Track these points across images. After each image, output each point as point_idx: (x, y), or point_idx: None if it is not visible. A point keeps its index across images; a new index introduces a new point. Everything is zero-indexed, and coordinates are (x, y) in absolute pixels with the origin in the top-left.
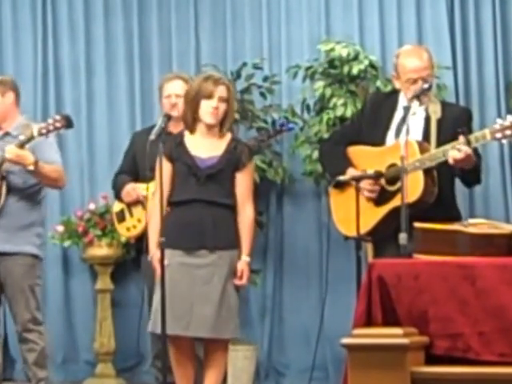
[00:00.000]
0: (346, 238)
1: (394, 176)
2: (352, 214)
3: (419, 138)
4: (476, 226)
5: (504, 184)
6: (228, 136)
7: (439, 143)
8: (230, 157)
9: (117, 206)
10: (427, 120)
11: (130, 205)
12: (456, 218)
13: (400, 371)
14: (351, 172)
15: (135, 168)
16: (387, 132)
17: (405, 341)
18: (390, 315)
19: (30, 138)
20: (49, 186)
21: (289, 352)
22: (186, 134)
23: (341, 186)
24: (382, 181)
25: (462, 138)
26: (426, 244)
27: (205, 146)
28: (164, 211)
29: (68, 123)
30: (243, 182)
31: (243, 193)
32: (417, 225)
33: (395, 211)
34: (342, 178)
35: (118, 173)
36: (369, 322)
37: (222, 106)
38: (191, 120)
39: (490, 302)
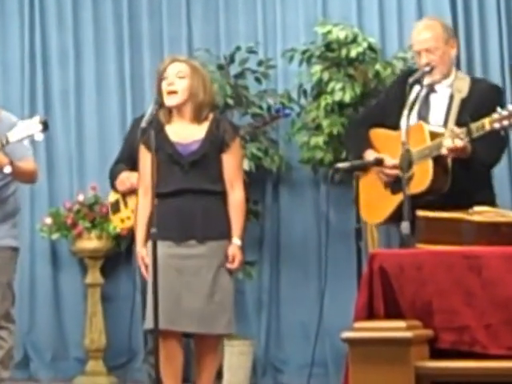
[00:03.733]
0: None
1: (408, 163)
2: (372, 200)
3: (441, 118)
4: (481, 213)
5: (510, 170)
6: (210, 117)
7: (459, 125)
8: (212, 139)
9: (112, 197)
10: (451, 98)
11: (125, 195)
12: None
13: (403, 366)
14: (369, 155)
15: (133, 156)
16: (411, 114)
17: (408, 334)
18: (393, 307)
19: (5, 143)
20: (22, 182)
21: (287, 347)
22: None
23: (364, 170)
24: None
25: (458, 129)
26: (429, 233)
27: (186, 131)
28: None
29: (45, 127)
30: (230, 164)
31: (231, 174)
32: (419, 213)
33: (410, 199)
34: (340, 165)
35: (115, 162)
36: (370, 314)
37: (181, 83)
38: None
39: (496, 293)
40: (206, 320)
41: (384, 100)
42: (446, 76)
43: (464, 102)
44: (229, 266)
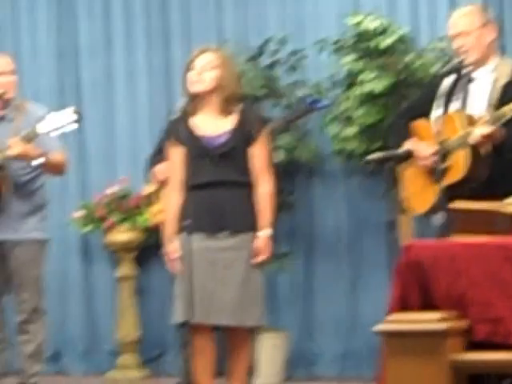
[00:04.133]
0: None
1: (444, 153)
2: (417, 190)
3: (482, 106)
4: None
5: None
6: (237, 109)
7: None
8: (240, 131)
9: (148, 189)
10: (493, 85)
11: (160, 187)
12: None
13: (438, 358)
14: (407, 145)
15: None
16: (450, 104)
17: (443, 326)
18: (427, 299)
19: (37, 135)
20: (51, 174)
21: (320, 339)
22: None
23: (393, 161)
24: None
25: (489, 114)
26: (463, 224)
27: (213, 123)
28: (181, 197)
29: (77, 119)
30: (257, 156)
31: (259, 167)
32: (453, 204)
33: (449, 188)
34: (372, 156)
35: (153, 153)
36: (404, 306)
37: (209, 73)
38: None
39: None
40: (238, 313)
41: (427, 92)
42: (485, 61)
43: (506, 88)
44: (258, 258)
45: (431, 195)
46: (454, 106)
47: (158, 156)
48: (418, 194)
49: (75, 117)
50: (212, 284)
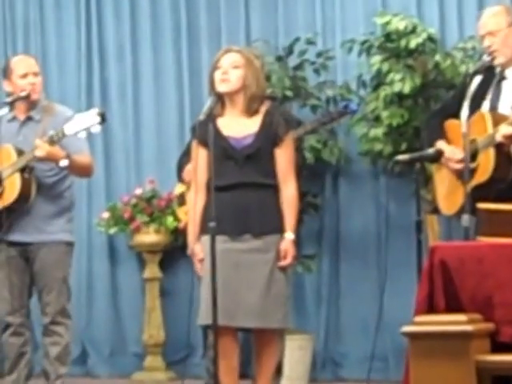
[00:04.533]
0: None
1: (473, 153)
2: (447, 191)
3: (510, 104)
4: None
5: None
6: (263, 110)
7: None
8: (266, 132)
9: (178, 189)
10: None
11: (188, 189)
12: None
13: (464, 360)
14: (440, 145)
15: None
16: (483, 102)
17: (469, 328)
18: (453, 301)
19: (62, 136)
20: (77, 176)
21: (346, 341)
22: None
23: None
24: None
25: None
26: (490, 226)
27: (238, 124)
28: (204, 198)
29: (102, 120)
30: (283, 158)
31: (284, 169)
32: (480, 205)
33: (476, 189)
34: (400, 157)
35: (182, 153)
36: (431, 308)
37: (234, 72)
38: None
39: None
40: (262, 314)
41: (460, 92)
42: None
43: None
44: (282, 263)
45: (460, 197)
46: (486, 104)
47: (187, 156)
48: (448, 195)
49: (99, 118)
50: (236, 286)
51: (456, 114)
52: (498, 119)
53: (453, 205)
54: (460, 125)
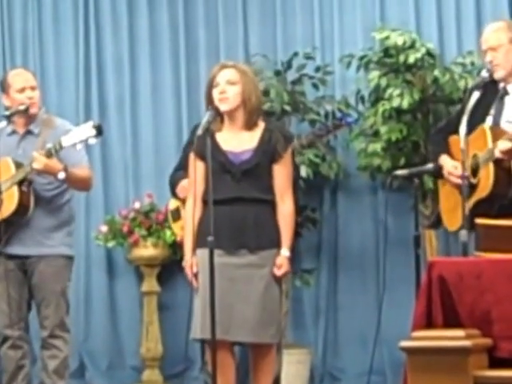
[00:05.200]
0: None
1: (474, 168)
2: (451, 206)
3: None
4: None
5: None
6: (261, 126)
7: None
8: (265, 148)
9: (172, 204)
10: None
11: (185, 202)
12: None
13: (462, 375)
14: (443, 160)
15: None
16: (486, 118)
17: (467, 343)
18: (452, 316)
19: (59, 149)
20: (76, 189)
21: (344, 355)
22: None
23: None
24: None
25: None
26: (488, 241)
27: (237, 140)
28: (200, 212)
29: (98, 132)
30: (281, 174)
31: (282, 185)
32: (478, 221)
33: (478, 204)
34: (399, 172)
35: (175, 169)
36: (429, 323)
37: (231, 89)
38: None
39: None
40: (256, 329)
41: (462, 107)
42: None
43: None
44: (276, 272)
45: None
46: (489, 119)
47: (180, 172)
48: (451, 210)
49: (95, 131)
50: (231, 300)
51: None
52: (497, 134)
53: (457, 220)
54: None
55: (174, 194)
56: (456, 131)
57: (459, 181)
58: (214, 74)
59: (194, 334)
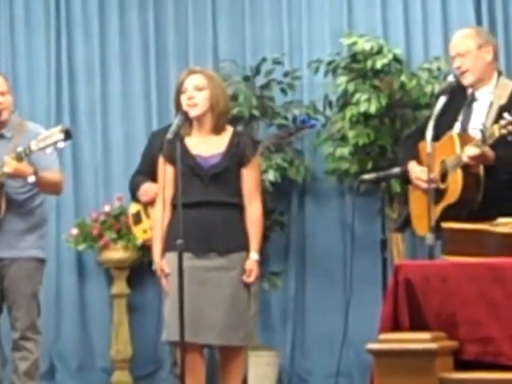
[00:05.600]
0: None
1: (443, 174)
2: (421, 212)
3: (479, 125)
4: (506, 225)
5: None
6: (229, 130)
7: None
8: (233, 153)
9: (133, 208)
10: (491, 106)
11: (146, 206)
12: None
13: (428, 377)
14: (411, 166)
15: (153, 169)
16: (454, 123)
17: (433, 346)
18: (418, 319)
19: (28, 153)
20: (47, 193)
21: (312, 357)
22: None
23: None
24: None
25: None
26: (454, 245)
27: (206, 144)
28: (169, 215)
29: (67, 136)
30: (249, 178)
31: (250, 189)
32: (444, 225)
33: (448, 209)
34: (366, 176)
35: (135, 174)
36: (395, 326)
37: (200, 95)
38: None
39: None
40: (225, 332)
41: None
42: (484, 82)
43: (502, 109)
44: (246, 279)
45: (432, 217)
46: (457, 126)
47: (139, 176)
48: (420, 216)
49: (63, 135)
50: (201, 304)
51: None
52: (465, 140)
53: (426, 225)
54: (431, 146)
55: (135, 198)
56: (425, 137)
57: (426, 185)
58: (182, 80)
59: (165, 336)
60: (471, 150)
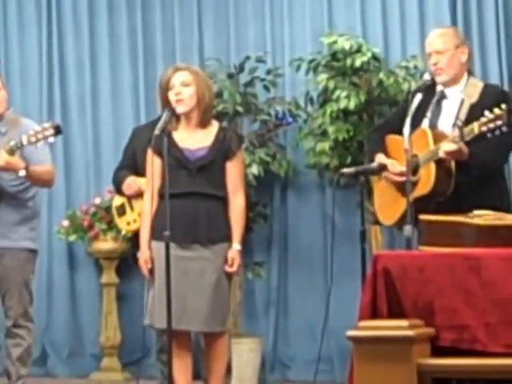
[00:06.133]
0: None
1: (415, 167)
2: (386, 202)
3: (450, 123)
4: (481, 217)
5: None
6: (215, 125)
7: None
8: (219, 146)
9: (117, 200)
10: (461, 104)
11: (130, 198)
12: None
13: (406, 363)
14: (379, 158)
15: (135, 163)
16: (423, 119)
17: (410, 333)
18: (396, 307)
19: (20, 147)
20: (38, 186)
21: (294, 344)
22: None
23: (372, 175)
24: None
25: (456, 132)
26: (431, 236)
27: (193, 138)
28: (156, 205)
29: (57, 131)
30: (234, 171)
31: (234, 181)
32: (422, 217)
33: (416, 201)
34: (345, 170)
35: (117, 168)
36: (374, 314)
37: (186, 91)
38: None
39: (496, 294)
40: (208, 319)
41: (403, 108)
42: (456, 81)
43: (473, 108)
44: (228, 269)
45: (399, 208)
46: (426, 121)
47: (122, 171)
48: (386, 206)
49: (53, 130)
50: (184, 292)
51: (397, 130)
52: (437, 136)
53: (391, 216)
54: (400, 140)
55: (119, 191)
56: (393, 131)
57: (399, 178)
58: (168, 77)
59: (152, 323)
60: (448, 146)
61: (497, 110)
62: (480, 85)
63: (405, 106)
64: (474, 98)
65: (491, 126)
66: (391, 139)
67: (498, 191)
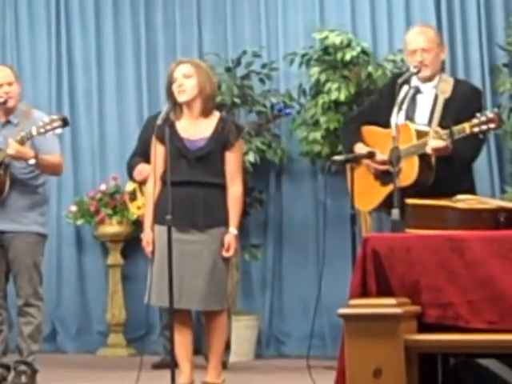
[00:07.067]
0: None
1: (396, 158)
2: (363, 189)
3: (425, 117)
4: (464, 201)
5: (490, 162)
6: (216, 116)
7: (442, 124)
8: (218, 137)
9: (129, 186)
10: (436, 99)
11: (141, 184)
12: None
13: (394, 339)
14: (359, 148)
15: (147, 151)
16: (399, 113)
17: (398, 310)
18: (384, 286)
19: (30, 137)
20: (48, 174)
21: (288, 321)
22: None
23: (356, 162)
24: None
25: (442, 130)
26: (417, 219)
27: (194, 128)
28: (158, 190)
29: (64, 123)
30: (232, 161)
31: (232, 170)
32: (408, 201)
33: (399, 191)
34: (336, 157)
35: (132, 155)
36: (364, 292)
37: (189, 82)
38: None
39: (478, 273)
40: (205, 299)
41: (377, 100)
42: (432, 77)
43: (447, 103)
44: (225, 254)
45: (376, 195)
46: (402, 115)
47: (136, 158)
48: (363, 192)
49: (60, 122)
50: (182, 273)
51: (370, 121)
52: (420, 132)
53: (368, 202)
54: (377, 131)
55: (131, 178)
56: (367, 122)
57: (381, 167)
58: (172, 70)
59: (151, 301)
60: (436, 143)
61: (489, 113)
62: (451, 80)
63: (378, 98)
64: (447, 94)
65: (483, 127)
66: (367, 130)
67: (468, 180)
